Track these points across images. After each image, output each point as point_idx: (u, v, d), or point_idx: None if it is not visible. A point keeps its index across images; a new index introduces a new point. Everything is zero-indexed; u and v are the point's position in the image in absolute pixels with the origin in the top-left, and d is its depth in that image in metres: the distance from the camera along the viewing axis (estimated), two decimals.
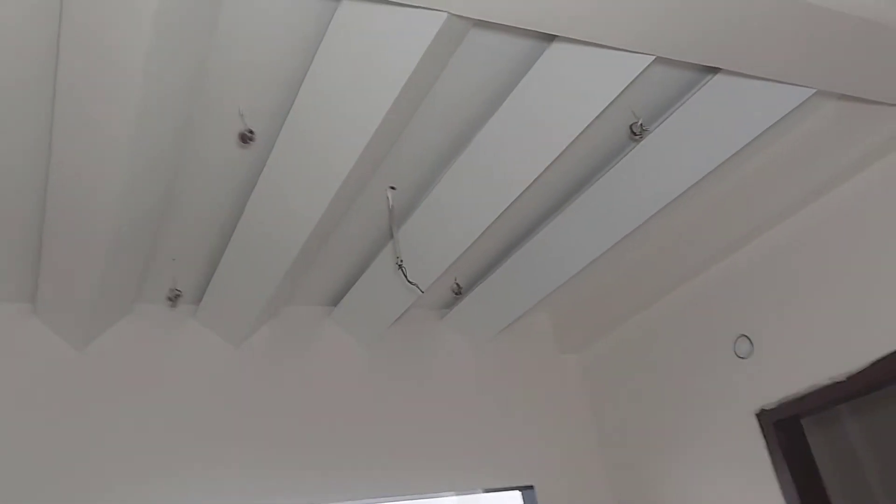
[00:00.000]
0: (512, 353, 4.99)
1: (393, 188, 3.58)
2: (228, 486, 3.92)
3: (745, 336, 4.00)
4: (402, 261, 3.49)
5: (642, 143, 3.36)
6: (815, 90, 2.97)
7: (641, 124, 3.18)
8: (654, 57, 2.64)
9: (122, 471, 3.74)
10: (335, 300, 4.58)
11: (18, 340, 3.81)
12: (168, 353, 4.12)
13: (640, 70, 2.72)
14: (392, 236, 3.72)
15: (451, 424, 4.61)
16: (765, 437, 3.88)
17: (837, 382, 3.52)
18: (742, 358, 4.01)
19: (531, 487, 4.61)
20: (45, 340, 3.84)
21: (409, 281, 3.52)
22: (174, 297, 3.92)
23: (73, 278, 3.41)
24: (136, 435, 3.83)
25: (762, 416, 3.89)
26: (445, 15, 2.34)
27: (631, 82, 2.79)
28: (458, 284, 4.47)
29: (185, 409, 3.99)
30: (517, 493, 4.70)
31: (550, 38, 2.78)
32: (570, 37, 2.45)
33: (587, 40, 2.45)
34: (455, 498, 6.80)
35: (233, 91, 2.79)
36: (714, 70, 3.06)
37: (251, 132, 2.76)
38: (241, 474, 3.96)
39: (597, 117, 2.96)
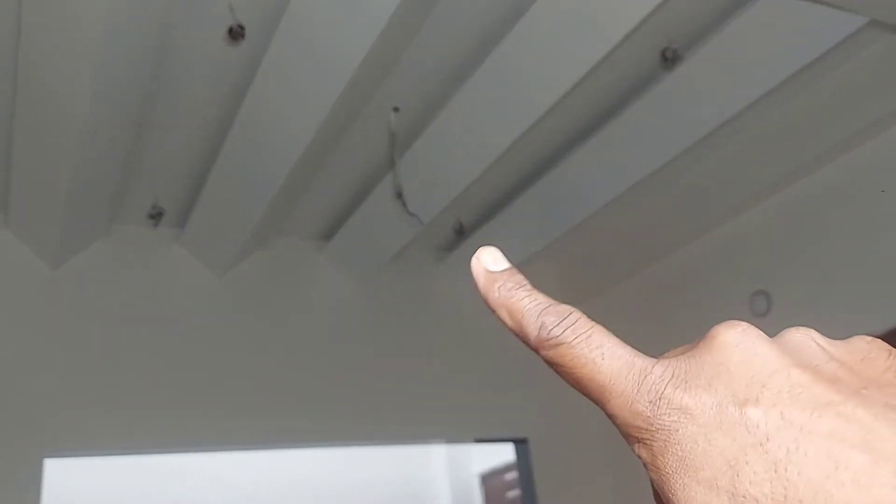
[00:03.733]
0: None
1: (396, 109, 3.30)
2: (205, 425, 3.72)
3: (763, 292, 3.76)
4: (402, 189, 3.22)
5: (674, 71, 3.06)
6: (868, 19, 2.68)
7: (675, 50, 2.87)
8: None
9: (92, 399, 3.52)
10: (328, 234, 4.32)
11: None
12: (147, 279, 3.88)
13: None
14: (393, 163, 3.44)
15: (444, 370, 4.39)
16: None
17: None
18: (759, 315, 3.77)
19: (525, 440, 4.42)
20: (15, 253, 3.59)
21: (408, 212, 3.26)
22: (156, 216, 3.65)
23: (45, 187, 3.15)
24: (110, 363, 3.61)
25: None
26: None
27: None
28: (461, 224, 4.20)
29: (163, 339, 3.76)
30: (510, 446, 4.52)
31: None
32: None
33: None
34: (443, 447, 6.67)
35: None
36: None
37: (241, 27, 2.47)
38: (218, 412, 3.75)
39: (627, 37, 2.66)
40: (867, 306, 3.30)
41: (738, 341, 0.30)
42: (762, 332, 0.30)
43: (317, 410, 3.97)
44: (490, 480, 6.55)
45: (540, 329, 0.34)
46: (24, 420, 3.38)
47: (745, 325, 0.31)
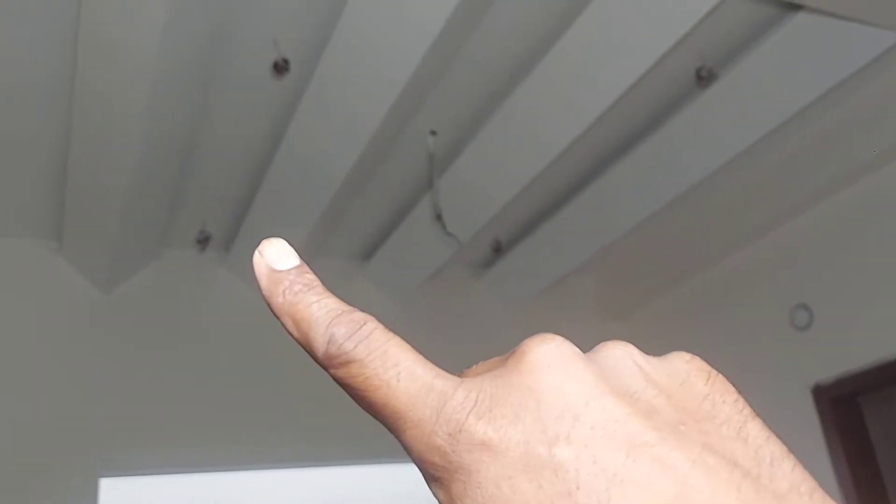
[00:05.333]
0: (551, 317, 4.75)
1: (434, 133, 3.37)
2: (258, 443, 3.79)
3: (805, 305, 3.75)
4: (441, 211, 3.29)
5: (709, 89, 3.10)
6: None
7: (710, 68, 2.91)
8: None
9: (145, 419, 3.62)
10: (367, 253, 4.40)
11: (43, 278, 3.70)
12: (196, 301, 3.99)
13: (713, 5, 2.46)
14: (431, 185, 3.51)
15: None
16: (819, 414, 3.65)
17: None
18: (800, 329, 3.76)
19: None
20: (69, 280, 3.72)
21: (447, 232, 3.33)
22: (203, 240, 3.76)
23: (98, 214, 3.27)
24: (159, 386, 3.71)
25: (818, 391, 3.66)
26: None
27: (702, 19, 2.54)
28: (498, 241, 4.25)
29: (212, 358, 3.86)
30: None
31: None
32: None
33: None
34: None
35: (266, 17, 2.59)
36: (795, 8, 2.78)
37: (286, 61, 2.57)
38: (269, 430, 3.82)
39: (661, 59, 2.71)
40: None
41: (550, 361, 0.26)
42: (578, 350, 0.27)
43: (361, 428, 4.02)
44: None
45: (329, 343, 0.28)
46: (80, 440, 3.49)
47: (559, 340, 0.27)
